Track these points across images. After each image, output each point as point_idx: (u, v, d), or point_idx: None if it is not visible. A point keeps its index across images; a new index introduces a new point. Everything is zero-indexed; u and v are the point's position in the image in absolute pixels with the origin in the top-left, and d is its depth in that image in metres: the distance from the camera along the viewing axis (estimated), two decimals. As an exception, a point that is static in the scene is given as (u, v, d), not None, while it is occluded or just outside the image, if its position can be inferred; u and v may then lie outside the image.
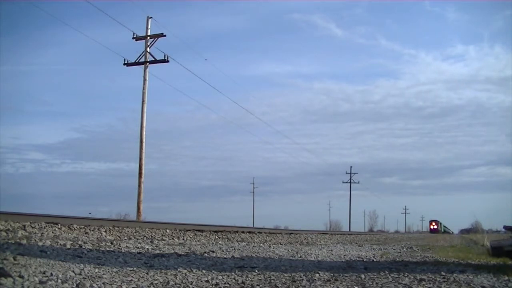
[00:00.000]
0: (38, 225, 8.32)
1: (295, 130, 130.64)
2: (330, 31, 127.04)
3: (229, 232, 14.01)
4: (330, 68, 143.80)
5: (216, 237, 11.92)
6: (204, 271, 4.96)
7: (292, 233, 18.72)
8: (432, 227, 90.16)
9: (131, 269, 4.78)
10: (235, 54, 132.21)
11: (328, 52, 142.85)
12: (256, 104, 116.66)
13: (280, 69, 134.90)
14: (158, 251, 6.91)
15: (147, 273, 4.55)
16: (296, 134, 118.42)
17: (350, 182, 65.63)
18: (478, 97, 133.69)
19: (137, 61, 22.31)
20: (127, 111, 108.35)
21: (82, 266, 4.62)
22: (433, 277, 5.01)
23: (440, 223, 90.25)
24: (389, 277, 5.02)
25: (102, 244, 7.00)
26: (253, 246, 9.88)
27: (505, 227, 9.23)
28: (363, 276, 5.03)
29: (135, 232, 10.14)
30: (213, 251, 7.53)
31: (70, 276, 4.00)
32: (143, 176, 21.14)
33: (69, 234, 8.14)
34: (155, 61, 22.26)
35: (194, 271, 4.91)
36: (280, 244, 11.82)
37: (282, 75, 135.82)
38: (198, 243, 9.56)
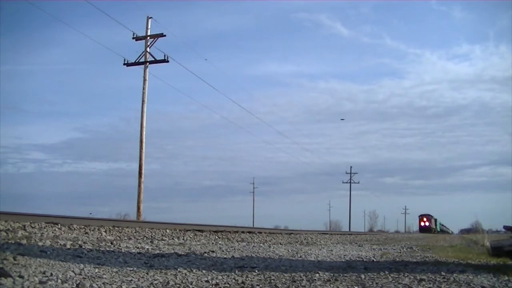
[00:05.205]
0: (38, 225, 8.32)
1: (297, 130, 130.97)
2: (336, 30, 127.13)
3: (229, 232, 14.01)
4: (335, 67, 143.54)
5: (216, 237, 11.92)
6: (204, 271, 4.96)
7: (292, 233, 18.71)
8: (422, 224, 71.85)
9: (131, 269, 4.78)
10: (239, 54, 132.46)
11: (333, 51, 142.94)
12: (260, 104, 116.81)
13: (284, 69, 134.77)
14: (158, 251, 6.91)
15: (147, 273, 4.55)
16: (299, 134, 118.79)
17: (350, 182, 65.70)
18: (482, 97, 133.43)
19: (137, 61, 22.34)
20: (129, 110, 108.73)
21: (82, 266, 4.62)
22: (433, 277, 5.01)
23: (435, 220, 75.06)
24: (389, 277, 5.03)
25: (102, 244, 7.00)
26: (253, 246, 9.88)
27: (505, 227, 9.24)
28: (363, 276, 5.03)
29: (135, 232, 10.13)
30: (213, 251, 7.53)
31: (70, 276, 4.00)
32: (143, 176, 21.17)
33: (69, 234, 8.14)
34: (155, 61, 22.28)
35: (194, 271, 4.91)
36: (280, 244, 11.82)
37: (287, 74, 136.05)
38: (198, 243, 9.56)
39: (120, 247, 6.92)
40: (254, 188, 74.95)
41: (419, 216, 75.26)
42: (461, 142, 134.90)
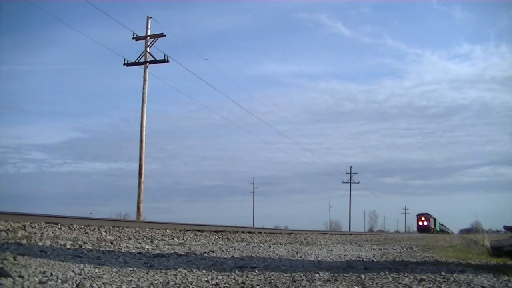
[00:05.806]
0: (38, 225, 8.32)
1: (297, 130, 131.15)
2: (336, 30, 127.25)
3: (229, 232, 14.01)
4: (335, 67, 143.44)
5: (216, 237, 11.92)
6: (204, 271, 4.96)
7: (292, 233, 18.71)
8: (420, 223, 69.06)
9: (131, 269, 4.78)
10: (239, 54, 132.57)
11: (333, 51, 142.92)
12: (260, 104, 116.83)
13: (284, 69, 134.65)
14: (158, 251, 6.91)
15: (147, 273, 4.55)
16: (299, 134, 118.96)
17: (350, 182, 65.67)
18: (482, 97, 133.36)
19: (137, 61, 22.34)
20: (129, 110, 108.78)
21: (82, 266, 4.62)
22: (433, 277, 5.01)
23: (434, 219, 73.16)
24: (389, 277, 5.03)
25: (102, 244, 7.00)
26: (253, 246, 9.88)
27: (505, 227, 9.23)
28: (363, 276, 5.03)
29: (135, 232, 10.13)
30: (213, 251, 7.53)
31: (70, 276, 4.00)
32: (143, 176, 21.16)
33: (69, 234, 8.14)
34: (155, 61, 22.28)
35: (194, 271, 4.91)
36: (280, 244, 11.82)
37: (287, 74, 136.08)
38: (198, 243, 9.56)
39: (120, 247, 6.92)
40: (254, 188, 75.15)
41: (417, 216, 72.98)
42: (461, 142, 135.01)
